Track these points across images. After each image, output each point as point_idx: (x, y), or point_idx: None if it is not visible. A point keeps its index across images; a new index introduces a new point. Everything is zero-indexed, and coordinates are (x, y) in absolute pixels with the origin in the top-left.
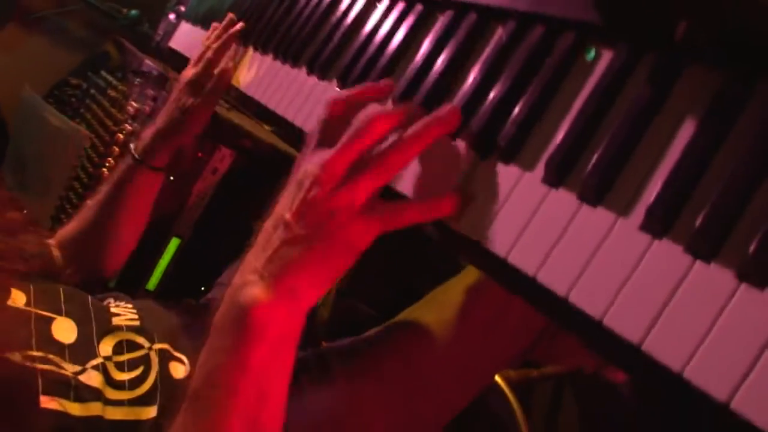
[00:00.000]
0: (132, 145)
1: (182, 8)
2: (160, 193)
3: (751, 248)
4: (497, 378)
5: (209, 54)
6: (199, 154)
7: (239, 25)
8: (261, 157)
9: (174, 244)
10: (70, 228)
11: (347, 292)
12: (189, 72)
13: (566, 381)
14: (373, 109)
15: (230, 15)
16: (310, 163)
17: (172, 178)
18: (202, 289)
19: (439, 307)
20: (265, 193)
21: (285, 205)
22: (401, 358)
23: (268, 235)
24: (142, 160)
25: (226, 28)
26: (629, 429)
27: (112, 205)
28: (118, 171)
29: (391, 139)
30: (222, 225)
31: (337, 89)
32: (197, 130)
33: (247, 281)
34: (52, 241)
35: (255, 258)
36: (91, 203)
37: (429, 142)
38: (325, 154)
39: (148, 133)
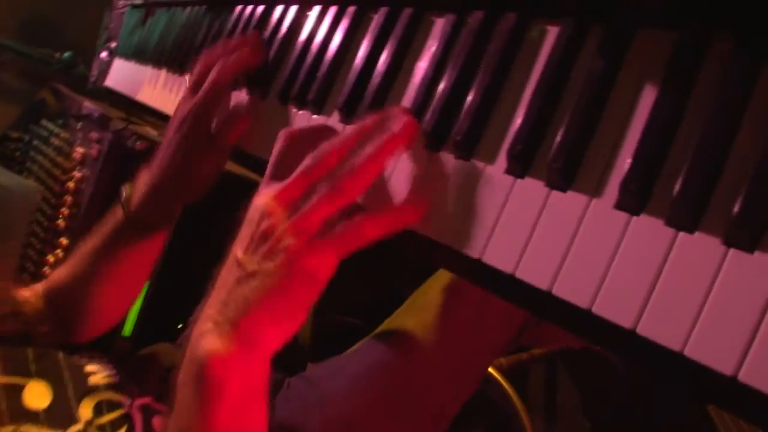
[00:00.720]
0: (123, 191)
1: (113, 45)
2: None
3: (735, 211)
4: (490, 368)
5: (214, 76)
6: None
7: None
8: (220, 185)
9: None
10: (57, 279)
11: (324, 308)
12: (188, 104)
13: (558, 359)
14: (328, 142)
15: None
16: (260, 197)
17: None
18: (180, 326)
19: (419, 312)
20: (226, 219)
21: (239, 243)
22: (391, 370)
23: (223, 277)
24: (134, 217)
25: (240, 46)
26: (627, 398)
27: (104, 262)
28: (109, 223)
29: (346, 163)
30: (188, 258)
31: (279, 106)
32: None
33: (203, 331)
34: (38, 287)
35: (210, 305)
36: (81, 252)
37: (385, 162)
38: (276, 186)
39: (142, 182)
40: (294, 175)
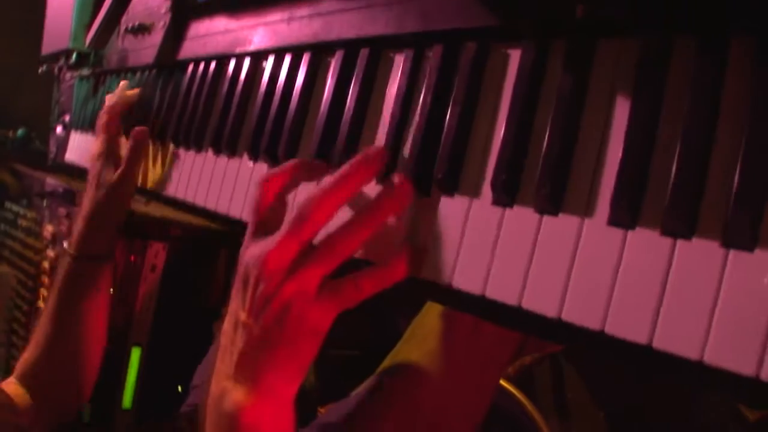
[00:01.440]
0: (65, 243)
1: (67, 118)
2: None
3: (729, 211)
4: None
5: (102, 119)
6: (132, 258)
7: (134, 92)
8: (195, 240)
9: (136, 354)
10: (28, 358)
11: (324, 347)
12: (95, 147)
13: (561, 357)
14: (315, 195)
15: (123, 82)
16: (252, 257)
17: (112, 290)
18: (179, 389)
19: (420, 342)
20: (210, 273)
21: (238, 305)
22: (405, 406)
23: (230, 337)
24: (79, 254)
25: (120, 92)
26: (636, 384)
27: (66, 316)
28: (59, 276)
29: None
30: (178, 319)
31: (250, 163)
32: (126, 201)
33: (226, 389)
34: (11, 380)
35: (224, 364)
36: (42, 322)
37: (380, 224)
38: (266, 245)
39: (78, 224)
40: (284, 233)
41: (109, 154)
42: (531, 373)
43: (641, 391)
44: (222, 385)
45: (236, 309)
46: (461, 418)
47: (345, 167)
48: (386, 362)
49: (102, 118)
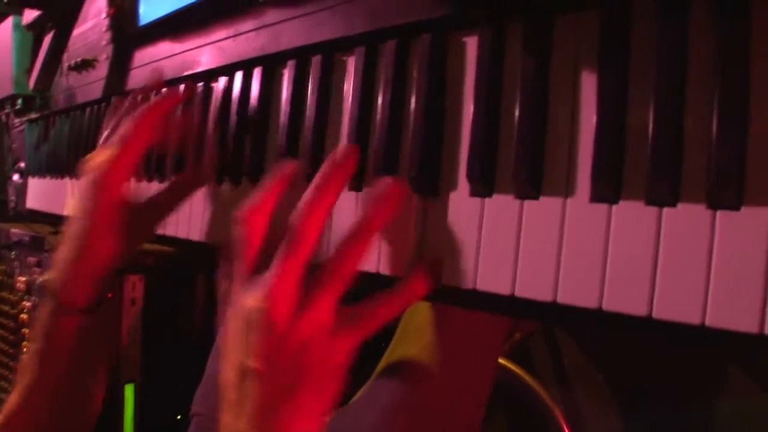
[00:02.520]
0: (41, 279)
1: (22, 165)
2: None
3: (711, 172)
4: None
5: (127, 128)
6: (109, 295)
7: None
8: (171, 268)
9: (130, 391)
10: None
11: None
12: (95, 161)
13: (553, 327)
14: (299, 213)
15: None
16: (251, 297)
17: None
18: (178, 418)
19: (417, 335)
20: (191, 298)
21: (243, 352)
22: (411, 404)
23: (237, 390)
24: (62, 304)
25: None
26: (631, 345)
27: (48, 369)
28: (39, 321)
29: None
30: (166, 349)
31: (218, 186)
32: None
33: None
34: None
35: (236, 418)
36: (19, 371)
37: (377, 232)
38: (265, 281)
39: (59, 263)
40: (279, 267)
41: (118, 176)
42: (527, 345)
43: (637, 350)
44: None
45: (241, 358)
46: (468, 405)
47: (319, 176)
48: (383, 363)
49: (128, 128)
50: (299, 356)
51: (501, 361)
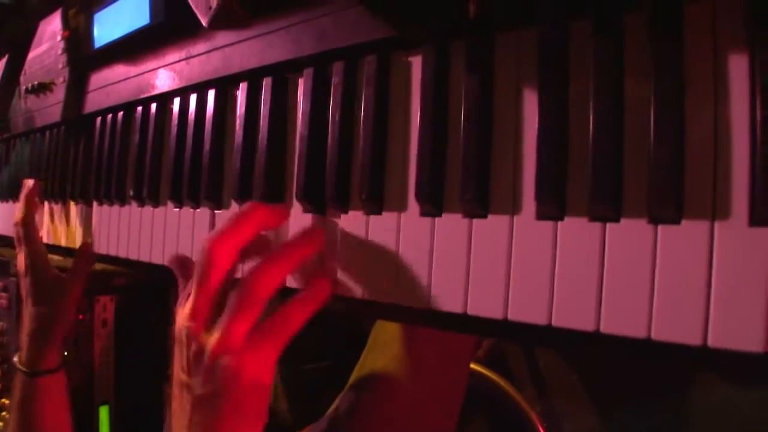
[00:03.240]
0: (15, 359)
1: None
2: (66, 372)
3: (650, 187)
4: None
5: (19, 231)
6: (80, 317)
7: (30, 183)
8: (141, 287)
9: (104, 412)
10: None
11: (290, 366)
12: (19, 262)
13: None
14: (207, 238)
15: (25, 181)
16: (179, 317)
17: (66, 353)
18: None
19: (385, 347)
20: (162, 316)
21: (179, 366)
22: (378, 417)
23: (179, 401)
24: (33, 372)
25: (24, 197)
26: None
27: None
28: (16, 393)
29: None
30: (140, 369)
31: (176, 209)
32: (71, 314)
33: None
34: None
35: (179, 428)
36: None
37: (294, 265)
38: (188, 304)
39: (24, 340)
40: (194, 290)
41: (34, 265)
42: (502, 350)
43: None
44: None
45: (178, 371)
46: (436, 415)
47: (285, 246)
48: (354, 375)
49: (18, 232)
50: (214, 374)
51: (476, 367)
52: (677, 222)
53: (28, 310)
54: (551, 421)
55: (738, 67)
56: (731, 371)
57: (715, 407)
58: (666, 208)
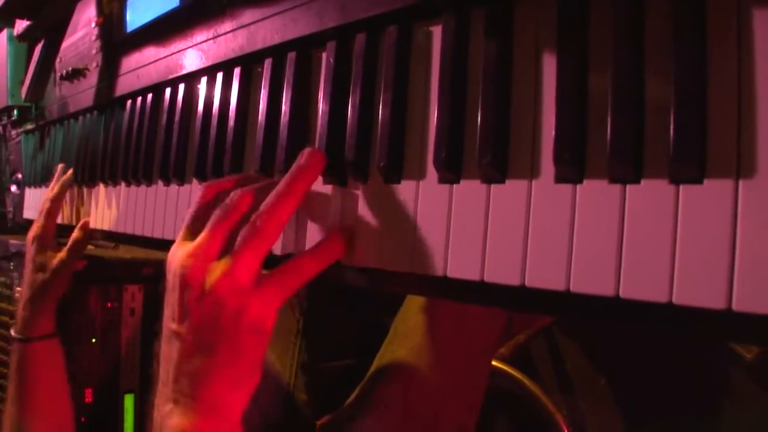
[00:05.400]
0: (12, 330)
1: (19, 176)
2: (92, 360)
3: (671, 146)
4: (494, 362)
5: (46, 205)
6: (109, 305)
7: (69, 173)
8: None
9: (129, 401)
10: None
11: (311, 363)
12: (31, 230)
13: (554, 329)
14: (234, 190)
15: (60, 165)
16: (176, 259)
17: (94, 340)
18: None
19: (405, 338)
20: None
21: (168, 315)
22: (397, 407)
23: (165, 353)
24: (26, 338)
25: (57, 178)
26: (632, 344)
27: (26, 396)
28: (13, 360)
29: (261, 205)
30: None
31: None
32: (64, 283)
33: (165, 414)
34: None
35: (163, 384)
36: (7, 408)
37: (300, 196)
38: (189, 245)
39: (20, 309)
40: (208, 228)
41: (43, 237)
42: (527, 350)
43: (637, 350)
44: (161, 409)
45: (167, 320)
46: (457, 407)
47: (284, 181)
48: (374, 365)
49: (46, 204)
50: (215, 316)
51: (503, 366)
52: (700, 182)
53: (26, 279)
54: (577, 426)
55: (762, 22)
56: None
57: (746, 418)
58: (688, 168)
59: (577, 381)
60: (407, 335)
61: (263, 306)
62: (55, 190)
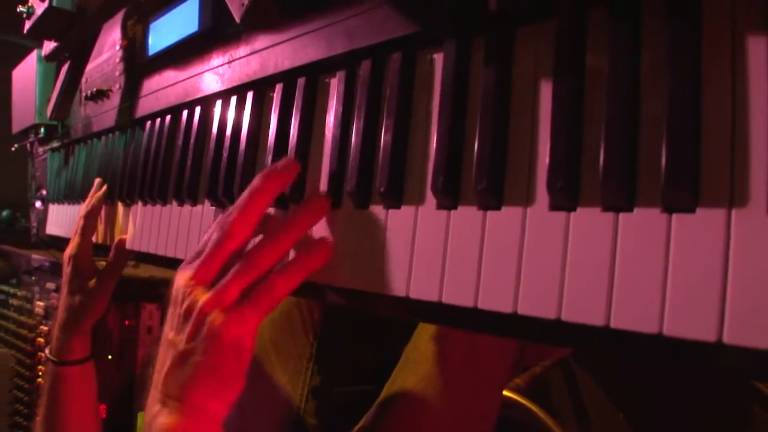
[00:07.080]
0: (47, 350)
1: (44, 192)
2: (108, 376)
3: (663, 175)
4: (508, 393)
5: (81, 222)
6: (127, 323)
7: (104, 188)
8: None
9: (142, 419)
10: None
11: (322, 387)
12: (68, 248)
13: (571, 362)
14: (231, 212)
15: (97, 180)
16: (180, 278)
17: (110, 357)
18: None
19: (415, 367)
20: None
21: (168, 326)
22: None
23: (161, 358)
24: (61, 362)
25: (93, 194)
26: (651, 376)
27: (57, 418)
28: (46, 381)
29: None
30: None
31: (212, 207)
32: (102, 306)
33: (153, 413)
34: None
35: (154, 387)
36: (36, 427)
37: (300, 236)
38: (194, 265)
39: (55, 330)
40: (206, 252)
41: (79, 256)
42: (544, 382)
43: (656, 385)
44: (152, 410)
45: (167, 330)
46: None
47: (255, 181)
48: (383, 393)
49: (80, 221)
50: (199, 330)
51: (517, 397)
52: (692, 210)
53: (62, 300)
54: None
55: (757, 50)
56: (749, 372)
57: None
58: (681, 196)
59: (593, 415)
60: (418, 363)
61: (239, 326)
62: (89, 205)
